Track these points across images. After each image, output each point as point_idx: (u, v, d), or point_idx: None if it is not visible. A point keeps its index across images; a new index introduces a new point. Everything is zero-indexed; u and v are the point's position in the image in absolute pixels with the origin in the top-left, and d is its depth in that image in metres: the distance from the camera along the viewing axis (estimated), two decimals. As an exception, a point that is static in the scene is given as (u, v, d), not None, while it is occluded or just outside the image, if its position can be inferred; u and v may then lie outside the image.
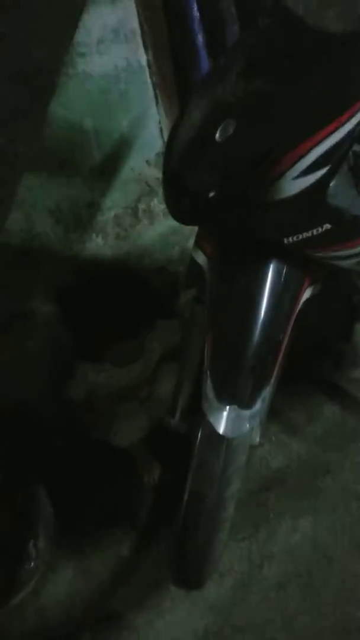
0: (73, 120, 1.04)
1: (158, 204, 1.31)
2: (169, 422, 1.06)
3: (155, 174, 1.23)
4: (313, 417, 1.40)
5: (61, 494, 1.23)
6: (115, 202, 1.23)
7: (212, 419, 0.73)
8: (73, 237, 1.23)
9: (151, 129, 1.15)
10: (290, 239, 0.68)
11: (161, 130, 1.16)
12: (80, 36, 0.94)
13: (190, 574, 0.91)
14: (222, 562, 1.06)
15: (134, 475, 1.30)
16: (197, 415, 0.78)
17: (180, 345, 1.29)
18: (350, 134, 0.62)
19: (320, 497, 1.20)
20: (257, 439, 0.89)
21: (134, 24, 1.01)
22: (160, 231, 1.36)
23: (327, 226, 0.68)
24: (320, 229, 0.68)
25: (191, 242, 0.89)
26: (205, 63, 1.06)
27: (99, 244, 1.28)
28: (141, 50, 1.04)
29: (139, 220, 1.30)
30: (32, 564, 1.13)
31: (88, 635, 1.02)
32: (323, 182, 0.63)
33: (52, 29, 0.60)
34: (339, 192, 0.68)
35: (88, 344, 1.34)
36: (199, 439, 0.78)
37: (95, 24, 0.96)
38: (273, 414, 1.36)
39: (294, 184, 0.61)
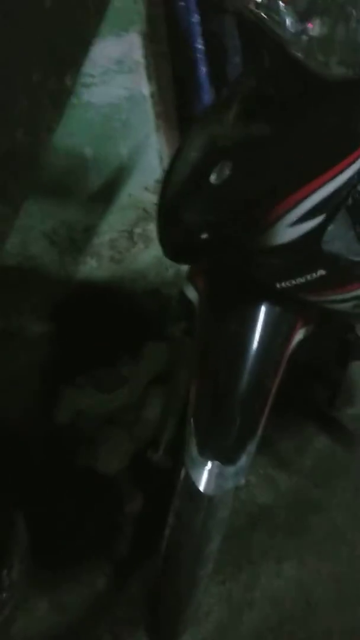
0: (74, 148, 1.03)
1: (154, 229, 1.29)
2: (151, 456, 1.03)
3: (153, 199, 1.22)
4: (303, 450, 1.37)
5: (39, 520, 1.20)
6: (111, 226, 1.22)
7: (192, 474, 0.70)
8: (67, 259, 1.22)
9: (151, 157, 1.15)
10: (282, 283, 0.67)
11: (161, 158, 1.16)
12: (85, 67, 0.94)
13: (164, 630, 0.88)
14: (200, 605, 1.03)
15: (116, 505, 1.27)
16: (179, 457, 0.75)
17: (168, 370, 1.27)
18: (348, 182, 0.61)
19: (307, 539, 1.17)
20: (243, 481, 0.86)
21: (139, 55, 1.01)
22: (155, 254, 1.35)
23: (322, 272, 0.67)
24: (314, 275, 0.66)
25: (185, 266, 0.87)
26: (207, 95, 1.06)
27: (93, 266, 1.27)
28: (144, 81, 1.04)
29: (134, 243, 1.30)
30: (4, 594, 1.09)
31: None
32: (318, 230, 0.62)
33: (58, 59, 0.60)
34: (335, 237, 0.66)
35: (76, 366, 1.32)
36: (178, 490, 0.75)
37: (100, 55, 0.96)
38: (262, 445, 1.34)
39: (288, 232, 0.60)
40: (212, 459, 0.70)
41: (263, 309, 0.71)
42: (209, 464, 0.70)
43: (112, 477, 1.30)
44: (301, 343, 0.80)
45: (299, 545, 1.15)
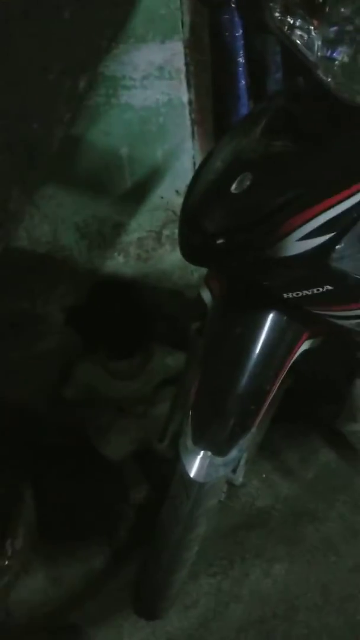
0: (110, 146, 1.08)
1: (183, 232, 1.34)
2: (157, 446, 1.07)
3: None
4: (307, 461, 1.40)
5: (45, 497, 1.26)
6: (140, 226, 1.26)
7: (185, 461, 0.74)
8: (95, 253, 1.27)
9: (184, 162, 1.19)
10: (290, 294, 0.70)
11: (194, 163, 1.20)
12: (127, 71, 0.99)
13: (146, 605, 0.92)
14: (190, 594, 1.07)
15: (121, 490, 1.32)
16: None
17: (180, 370, 1.31)
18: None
19: (299, 545, 1.19)
20: (240, 479, 0.90)
21: (180, 63, 1.05)
22: (181, 257, 1.38)
23: (329, 287, 0.69)
24: (320, 289, 0.69)
25: (209, 271, 0.91)
26: (245, 107, 1.09)
27: (120, 262, 1.32)
28: (184, 88, 1.08)
29: (161, 244, 1.34)
30: (6, 562, 1.16)
31: (46, 643, 1.04)
32: (326, 247, 0.65)
33: (73, 64, 0.65)
34: (345, 256, 0.69)
35: (93, 352, 1.38)
36: (174, 476, 0.79)
37: (142, 61, 1.01)
38: (267, 451, 1.37)
39: (297, 245, 0.63)
40: (205, 449, 0.74)
41: (270, 316, 0.74)
42: (201, 453, 0.74)
43: (120, 464, 1.34)
44: (307, 354, 0.83)
45: (291, 551, 1.18)
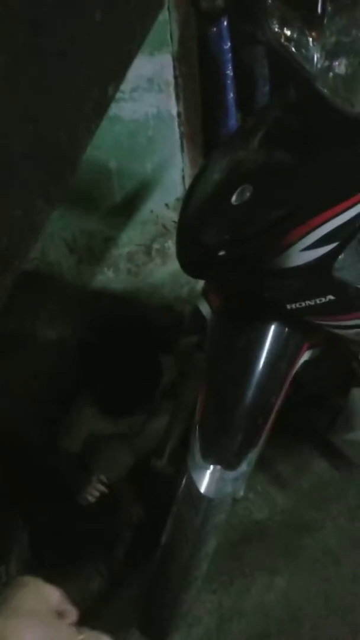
0: (99, 159, 1.07)
1: (172, 245, 1.33)
2: (155, 464, 1.05)
3: (172, 217, 1.26)
4: (301, 472, 1.38)
5: (38, 520, 1.22)
6: (130, 240, 1.25)
7: (194, 476, 0.73)
8: (85, 268, 1.25)
9: (173, 175, 1.19)
10: (292, 305, 0.70)
11: (183, 177, 1.20)
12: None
13: (155, 626, 0.89)
14: (192, 612, 1.04)
15: (116, 512, 1.28)
16: (182, 463, 0.78)
17: (174, 387, 1.29)
18: (360, 214, 0.64)
19: (299, 557, 1.18)
20: (241, 493, 0.88)
21: (169, 76, 1.06)
22: (171, 270, 1.38)
23: (331, 297, 0.69)
24: (323, 299, 0.69)
25: (201, 284, 0.90)
26: (233, 120, 1.10)
27: (110, 277, 1.30)
28: (172, 101, 1.09)
29: (151, 258, 1.33)
30: (1, 589, 1.11)
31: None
32: (330, 257, 0.65)
33: (102, 70, 0.64)
34: (346, 266, 0.69)
35: (84, 375, 1.35)
36: (179, 493, 0.78)
37: (131, 73, 0.99)
38: (262, 463, 1.36)
39: (300, 256, 0.63)
40: (214, 463, 0.73)
41: (272, 328, 0.74)
42: (211, 468, 0.73)
43: (113, 484, 1.31)
44: (307, 364, 0.83)
45: (291, 562, 1.16)
